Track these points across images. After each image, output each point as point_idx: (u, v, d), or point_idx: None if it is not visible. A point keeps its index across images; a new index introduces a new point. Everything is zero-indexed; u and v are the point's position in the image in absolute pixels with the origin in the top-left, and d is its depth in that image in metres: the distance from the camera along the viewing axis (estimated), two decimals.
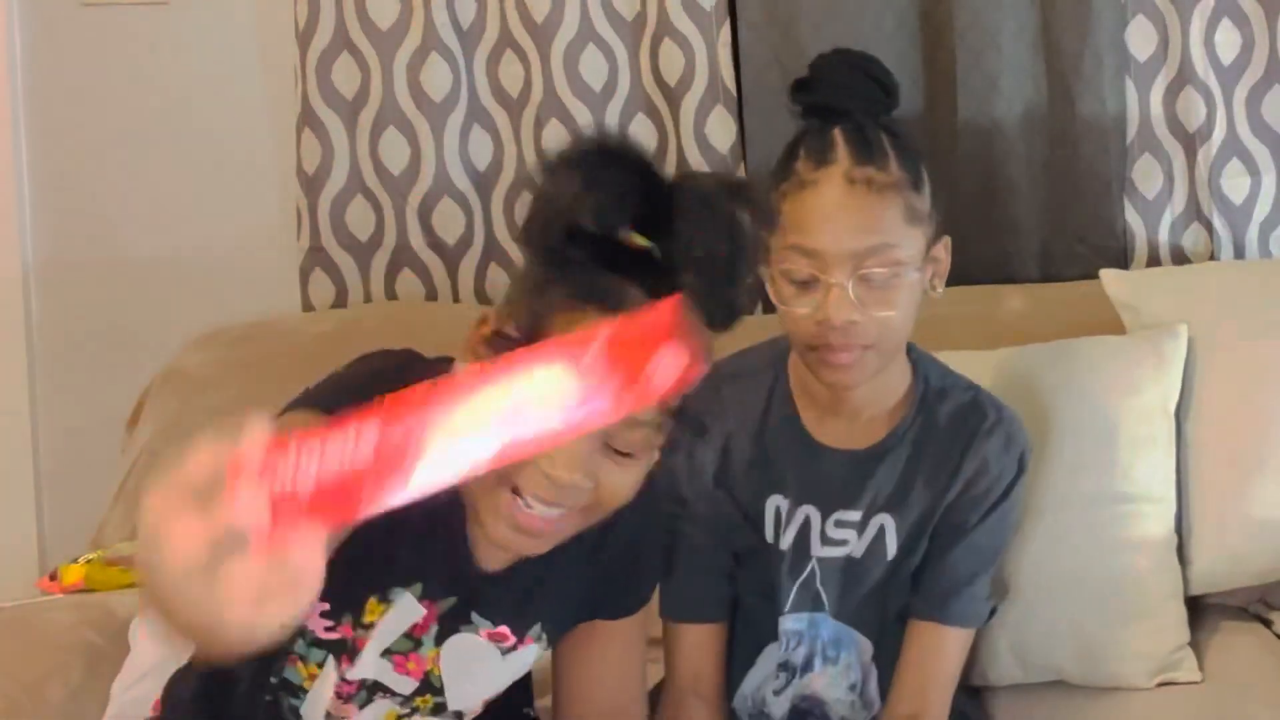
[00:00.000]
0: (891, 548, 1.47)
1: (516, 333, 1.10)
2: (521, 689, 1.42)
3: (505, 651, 1.30)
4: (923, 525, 1.47)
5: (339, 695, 1.28)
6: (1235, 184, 2.18)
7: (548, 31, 2.18)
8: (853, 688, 1.51)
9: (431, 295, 2.25)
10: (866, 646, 1.51)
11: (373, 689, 1.28)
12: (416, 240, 2.24)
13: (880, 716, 1.50)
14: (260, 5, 2.27)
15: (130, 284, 2.32)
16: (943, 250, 1.41)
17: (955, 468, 1.45)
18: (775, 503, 1.47)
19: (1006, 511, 1.48)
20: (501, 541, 1.19)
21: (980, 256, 2.21)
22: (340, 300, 2.25)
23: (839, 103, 1.36)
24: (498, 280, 2.27)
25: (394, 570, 1.25)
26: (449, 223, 2.24)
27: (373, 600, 1.25)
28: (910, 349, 1.47)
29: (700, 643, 1.49)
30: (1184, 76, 2.16)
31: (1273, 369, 1.79)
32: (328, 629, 1.26)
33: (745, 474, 1.47)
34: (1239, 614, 1.85)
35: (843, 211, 1.32)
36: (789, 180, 1.36)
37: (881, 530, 1.46)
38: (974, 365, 1.75)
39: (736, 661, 1.53)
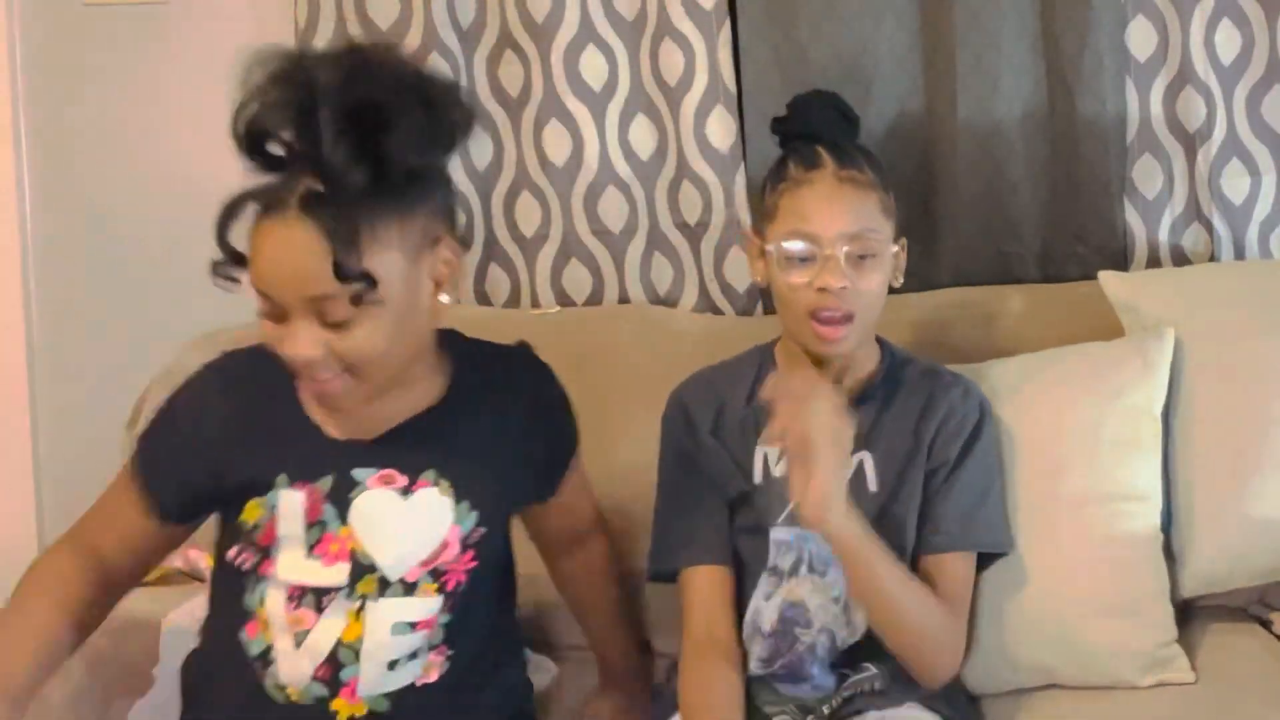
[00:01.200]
0: (872, 482, 1.65)
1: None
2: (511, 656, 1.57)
3: (404, 492, 1.42)
4: (903, 466, 1.65)
5: (291, 619, 1.40)
6: (1235, 184, 2.18)
7: (548, 31, 2.19)
8: (836, 600, 1.62)
9: None
10: None
11: (318, 593, 1.40)
12: None
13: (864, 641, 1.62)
14: (260, 5, 2.28)
15: (130, 284, 2.32)
16: (900, 250, 1.68)
17: (922, 412, 1.67)
18: (764, 451, 1.67)
19: (985, 448, 1.68)
20: (320, 413, 1.41)
21: (980, 257, 2.21)
22: None
23: (812, 131, 1.67)
24: (498, 280, 2.27)
25: (256, 472, 1.41)
26: None
27: (251, 503, 1.41)
28: (876, 336, 1.73)
29: (709, 586, 1.65)
30: (1184, 76, 2.16)
31: (1270, 370, 1.79)
32: (241, 562, 1.42)
33: (737, 429, 1.70)
34: (1238, 615, 1.85)
35: (835, 200, 1.62)
36: (786, 181, 1.66)
37: (861, 465, 1.65)
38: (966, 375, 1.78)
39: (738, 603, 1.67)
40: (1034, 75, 2.19)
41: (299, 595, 1.41)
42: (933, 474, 1.65)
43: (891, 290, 1.67)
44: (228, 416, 1.44)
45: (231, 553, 1.45)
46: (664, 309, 2.21)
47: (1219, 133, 2.17)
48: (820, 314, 1.60)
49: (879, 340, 1.73)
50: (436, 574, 1.44)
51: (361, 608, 1.41)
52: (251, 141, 1.35)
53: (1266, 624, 1.82)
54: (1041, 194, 2.22)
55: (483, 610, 1.50)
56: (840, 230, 1.60)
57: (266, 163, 1.34)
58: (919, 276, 2.20)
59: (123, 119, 2.31)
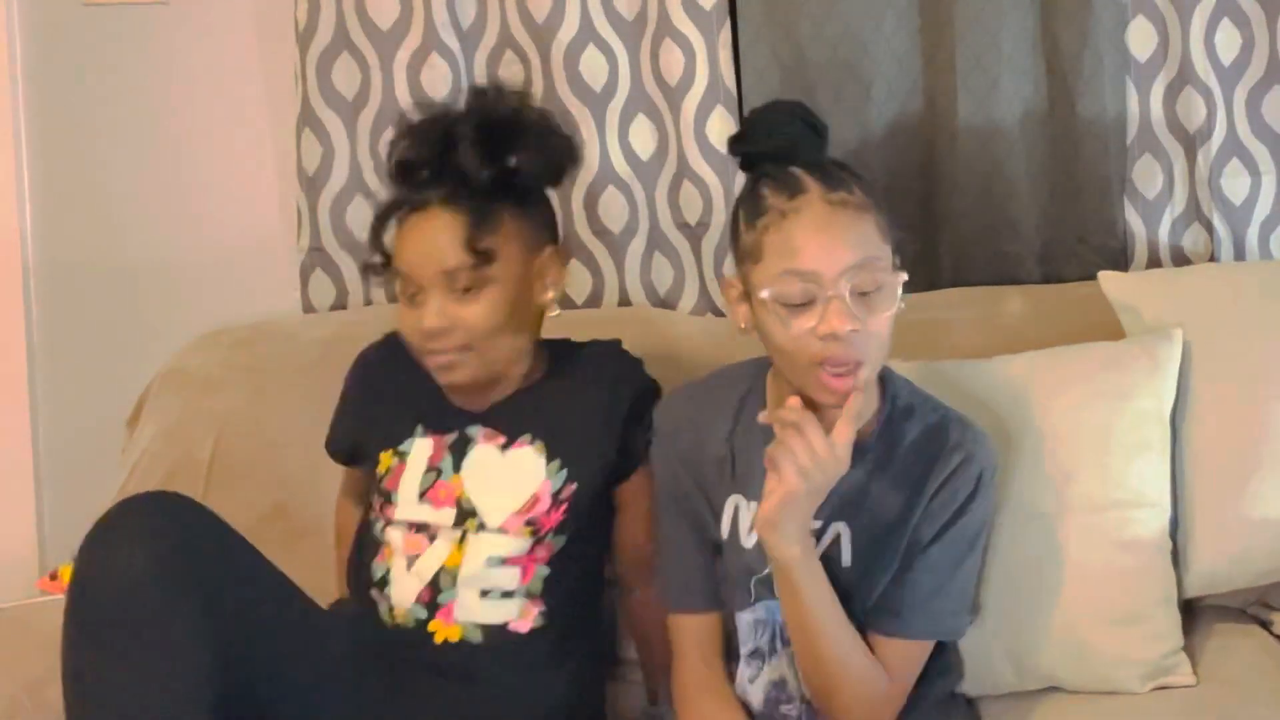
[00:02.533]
0: (846, 556, 1.52)
1: None
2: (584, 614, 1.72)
3: (503, 449, 1.68)
4: (885, 540, 1.51)
5: (409, 543, 1.66)
6: (1235, 184, 2.18)
7: (548, 31, 2.19)
8: None
9: None
10: None
11: (430, 528, 1.66)
12: None
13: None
14: (260, 5, 2.27)
15: (130, 284, 2.32)
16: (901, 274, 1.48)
17: (919, 486, 1.51)
18: (735, 502, 1.56)
19: (964, 529, 1.52)
20: (443, 386, 1.69)
21: (980, 257, 2.21)
22: (340, 301, 2.25)
23: (779, 151, 1.47)
24: None
25: (398, 426, 1.72)
26: None
27: (385, 454, 1.71)
28: (881, 369, 1.53)
29: (700, 632, 1.59)
30: (1184, 76, 2.16)
31: (1272, 371, 1.79)
32: (375, 506, 1.71)
33: (714, 471, 1.58)
34: (1238, 616, 1.85)
35: (830, 230, 1.41)
36: (766, 215, 1.44)
37: (837, 538, 1.52)
38: (971, 373, 1.77)
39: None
40: (1034, 75, 2.20)
41: (415, 529, 1.67)
42: (907, 549, 1.52)
43: None
44: (378, 386, 1.78)
45: (372, 500, 1.73)
46: (665, 311, 2.20)
47: (1219, 133, 2.17)
48: (828, 364, 1.41)
49: (881, 377, 1.55)
50: (530, 523, 1.65)
51: (463, 539, 1.65)
52: (402, 172, 1.67)
53: (1266, 625, 1.82)
54: (1041, 194, 2.22)
55: (576, 572, 1.68)
56: (841, 263, 1.39)
57: (412, 186, 1.66)
58: (919, 276, 2.20)
59: (123, 119, 2.30)
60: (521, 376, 1.72)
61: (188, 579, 1.44)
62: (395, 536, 1.68)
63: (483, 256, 1.60)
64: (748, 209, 1.48)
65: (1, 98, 2.28)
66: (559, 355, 1.76)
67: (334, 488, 1.86)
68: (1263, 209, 2.20)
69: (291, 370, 2.03)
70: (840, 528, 1.52)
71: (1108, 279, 1.93)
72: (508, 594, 1.64)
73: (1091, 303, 1.93)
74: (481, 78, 2.22)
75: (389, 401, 1.75)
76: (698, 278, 2.24)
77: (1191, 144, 2.17)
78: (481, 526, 1.66)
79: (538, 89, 2.20)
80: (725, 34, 2.18)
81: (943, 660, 1.63)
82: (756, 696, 1.57)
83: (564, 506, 1.66)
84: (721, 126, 2.17)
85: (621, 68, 2.21)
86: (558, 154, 1.71)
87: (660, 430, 1.64)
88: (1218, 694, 1.67)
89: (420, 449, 1.71)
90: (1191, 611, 1.80)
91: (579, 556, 1.68)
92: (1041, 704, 1.70)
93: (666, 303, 2.25)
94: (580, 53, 2.19)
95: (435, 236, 1.61)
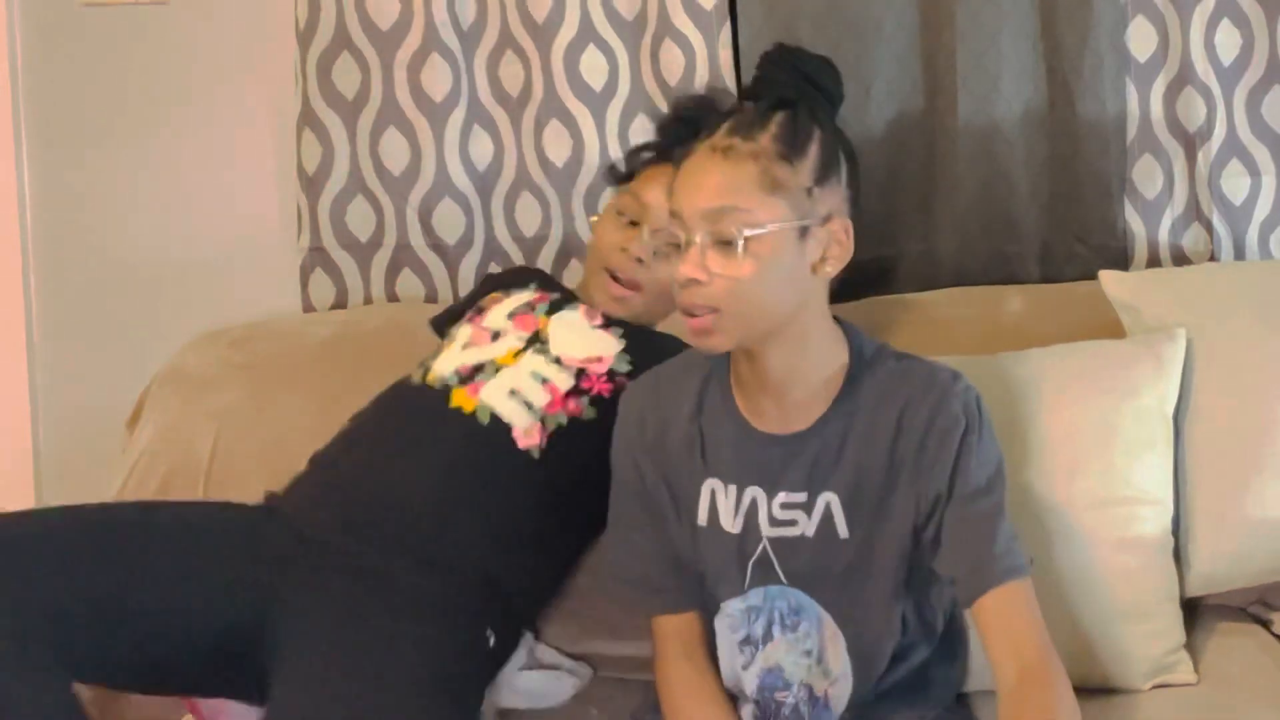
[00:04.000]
0: (842, 527, 1.47)
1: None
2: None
3: (593, 327, 1.81)
4: (881, 499, 1.46)
5: (477, 334, 1.82)
6: (1235, 184, 2.18)
7: (548, 31, 2.19)
8: (808, 653, 1.51)
9: (432, 295, 2.25)
10: (828, 619, 1.51)
11: (496, 336, 1.81)
12: (416, 240, 2.24)
13: (869, 687, 1.52)
14: (260, 5, 2.27)
15: (130, 284, 2.32)
16: (843, 234, 1.45)
17: (896, 430, 1.45)
18: (711, 485, 1.53)
19: (981, 462, 1.45)
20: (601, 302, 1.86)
21: (980, 257, 2.21)
22: (340, 300, 2.25)
23: (780, 91, 1.46)
24: None
25: (517, 281, 1.93)
26: (449, 223, 2.24)
27: (497, 292, 1.91)
28: (847, 328, 1.52)
29: (677, 630, 1.57)
30: (1184, 77, 2.16)
31: (1272, 370, 1.79)
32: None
33: (683, 455, 1.54)
34: (1238, 615, 1.85)
35: (694, 175, 1.42)
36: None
37: (828, 508, 1.47)
38: (974, 369, 1.76)
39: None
40: (1034, 75, 2.20)
41: (488, 333, 1.82)
42: (928, 513, 1.45)
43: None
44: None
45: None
46: None
47: (1219, 133, 2.17)
48: (685, 307, 1.43)
49: (848, 333, 1.52)
50: (581, 372, 1.75)
51: (522, 350, 1.78)
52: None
53: (1266, 624, 1.82)
54: (1041, 194, 2.22)
55: (575, 466, 1.70)
56: (697, 208, 1.41)
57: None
58: (919, 276, 2.21)
59: (123, 119, 2.30)
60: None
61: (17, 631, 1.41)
62: (464, 331, 1.84)
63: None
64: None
65: (1, 98, 2.28)
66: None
67: None
68: (1263, 209, 2.20)
69: (291, 369, 2.03)
70: (829, 498, 1.47)
71: (1109, 278, 1.92)
72: (529, 405, 1.72)
73: (1092, 302, 1.93)
74: (482, 78, 2.22)
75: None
76: None
77: (1191, 144, 2.17)
78: (543, 350, 1.77)
79: (538, 89, 2.20)
80: (725, 34, 2.19)
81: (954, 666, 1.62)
82: (750, 684, 1.54)
83: (612, 386, 1.74)
84: None
85: (621, 68, 2.21)
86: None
87: (624, 420, 1.60)
88: (1217, 692, 1.67)
89: (526, 294, 1.88)
90: (1192, 611, 1.80)
91: (582, 463, 1.68)
92: None
93: None
94: (580, 53, 2.19)
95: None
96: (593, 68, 2.20)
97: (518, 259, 2.26)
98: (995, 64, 2.18)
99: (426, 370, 1.79)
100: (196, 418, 1.99)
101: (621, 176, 1.95)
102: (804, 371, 1.48)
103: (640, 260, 1.82)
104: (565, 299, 1.88)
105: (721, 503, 1.52)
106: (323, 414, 1.83)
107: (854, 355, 1.50)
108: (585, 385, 1.75)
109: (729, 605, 1.54)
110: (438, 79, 2.19)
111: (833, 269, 1.45)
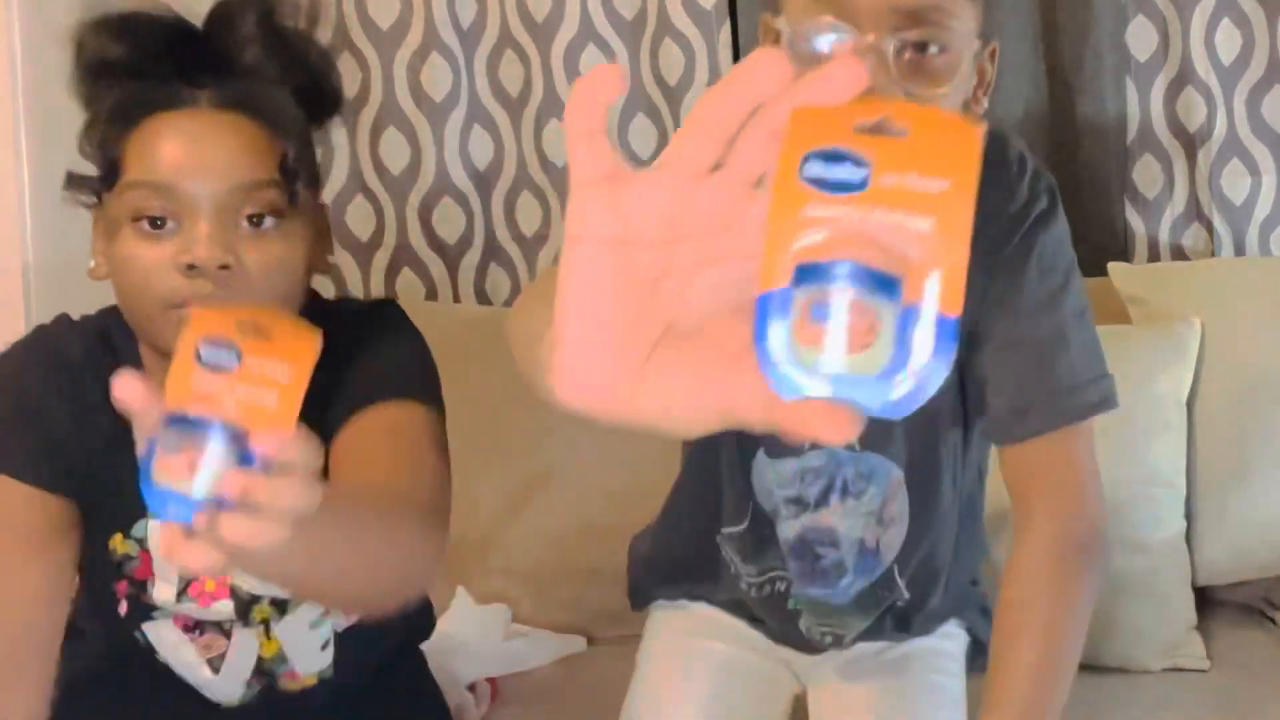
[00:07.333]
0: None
1: None
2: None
3: None
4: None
5: (201, 647, 1.26)
6: (1235, 184, 2.18)
7: (548, 31, 2.19)
8: (870, 514, 1.37)
9: (431, 295, 2.25)
10: (896, 474, 1.36)
11: (216, 624, 1.26)
12: (416, 240, 2.24)
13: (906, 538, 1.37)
14: None
15: None
16: (989, 60, 1.26)
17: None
18: None
19: (1052, 265, 1.25)
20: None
21: None
22: None
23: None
24: (498, 280, 2.27)
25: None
26: (449, 223, 2.24)
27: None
28: None
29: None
30: (1184, 76, 2.16)
31: (1278, 363, 1.80)
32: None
33: None
34: (1244, 610, 1.86)
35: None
36: None
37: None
38: None
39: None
40: (1034, 75, 2.20)
41: (195, 626, 1.25)
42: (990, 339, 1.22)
43: None
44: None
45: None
46: None
47: (1219, 133, 2.17)
48: None
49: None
50: None
51: (267, 629, 1.25)
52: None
53: (1271, 620, 1.83)
54: None
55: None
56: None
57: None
58: None
59: None
60: None
61: None
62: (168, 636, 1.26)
63: (300, 179, 1.18)
64: None
65: (1, 98, 2.28)
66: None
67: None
68: (1263, 209, 2.20)
69: None
70: None
71: (1118, 271, 1.94)
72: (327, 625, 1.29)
73: (1096, 298, 1.92)
74: (482, 78, 2.23)
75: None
76: None
77: (1191, 144, 2.17)
78: (278, 604, 1.25)
79: (538, 88, 2.20)
80: (725, 34, 2.19)
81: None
82: (790, 530, 1.37)
83: None
84: None
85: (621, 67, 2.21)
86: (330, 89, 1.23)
87: None
88: (1229, 678, 1.70)
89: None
90: (1200, 602, 1.82)
91: None
92: None
93: None
94: (580, 53, 2.20)
95: (228, 143, 1.15)
96: (592, 67, 2.20)
97: (518, 259, 2.26)
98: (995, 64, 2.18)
99: (210, 704, 1.29)
100: None
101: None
102: None
103: None
104: None
105: None
106: None
107: None
108: None
109: (779, 466, 1.36)
110: (437, 79, 2.19)
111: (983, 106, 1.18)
